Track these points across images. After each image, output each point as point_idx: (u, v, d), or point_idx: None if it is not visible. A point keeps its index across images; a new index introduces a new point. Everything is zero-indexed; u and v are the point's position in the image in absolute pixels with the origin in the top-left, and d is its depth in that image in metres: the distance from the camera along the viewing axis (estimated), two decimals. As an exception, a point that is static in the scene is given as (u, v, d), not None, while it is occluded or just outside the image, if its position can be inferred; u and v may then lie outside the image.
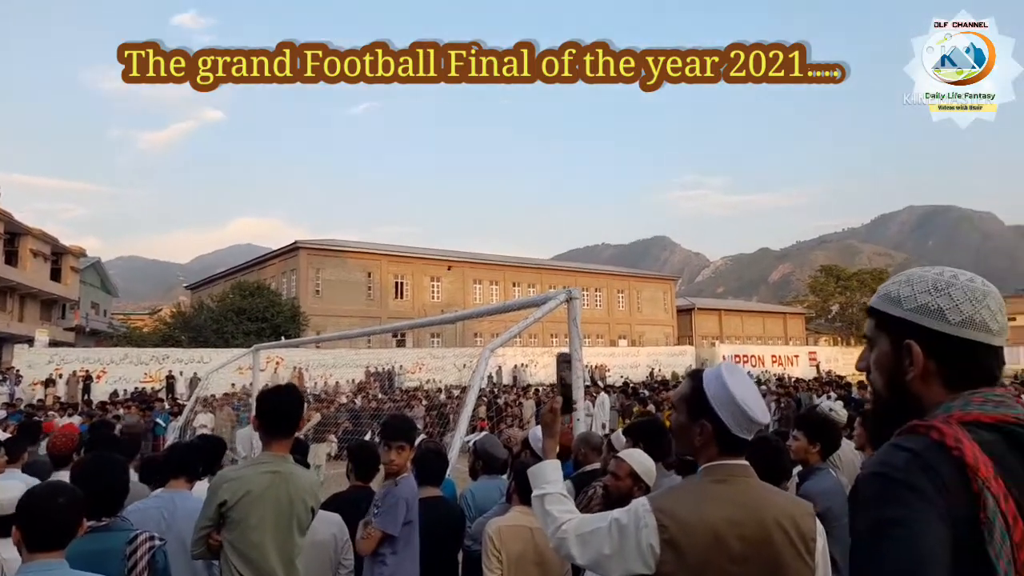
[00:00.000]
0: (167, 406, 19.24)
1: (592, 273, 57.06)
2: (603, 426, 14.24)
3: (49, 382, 24.36)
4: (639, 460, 2.84)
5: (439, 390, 22.65)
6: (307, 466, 4.27)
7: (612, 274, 58.54)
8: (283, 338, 28.49)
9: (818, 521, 1.72)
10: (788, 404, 14.64)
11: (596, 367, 37.90)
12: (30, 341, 29.52)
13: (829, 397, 15.13)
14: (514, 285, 49.01)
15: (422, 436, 13.96)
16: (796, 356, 48.37)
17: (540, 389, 24.31)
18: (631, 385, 22.84)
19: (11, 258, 38.66)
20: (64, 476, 3.48)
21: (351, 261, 42.67)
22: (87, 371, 25.58)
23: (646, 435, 3.30)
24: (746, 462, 1.73)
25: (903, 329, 1.17)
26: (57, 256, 43.21)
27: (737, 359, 44.00)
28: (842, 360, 47.24)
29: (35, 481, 3.12)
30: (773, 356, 46.80)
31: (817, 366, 44.59)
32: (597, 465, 3.80)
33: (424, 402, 18.70)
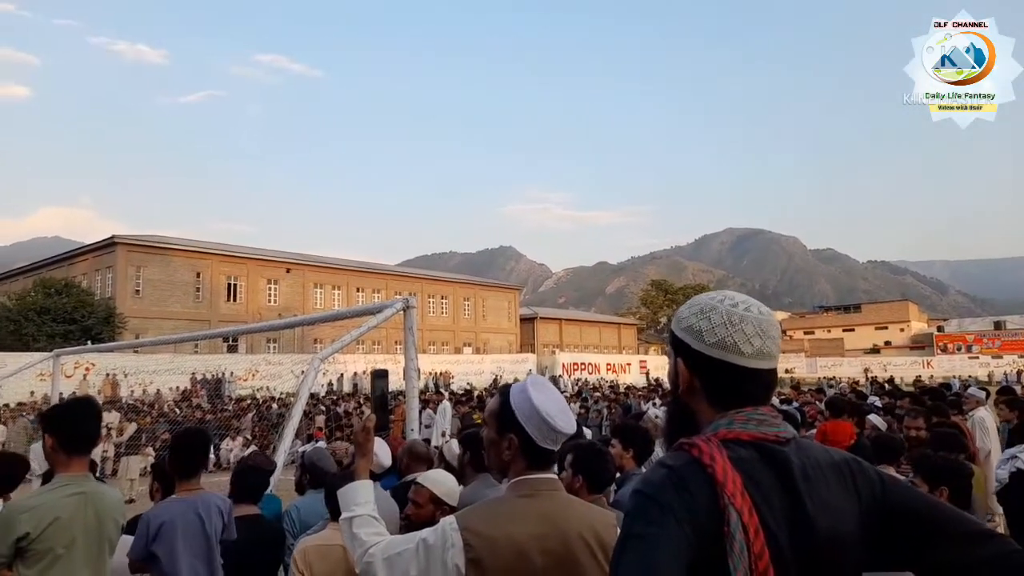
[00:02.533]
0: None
1: (439, 280, 57.07)
2: (443, 434, 14.18)
3: None
4: (439, 482, 2.78)
5: (271, 399, 21.51)
6: (102, 482, 3.89)
7: (458, 282, 58.89)
8: (91, 342, 25.82)
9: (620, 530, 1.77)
10: (616, 410, 15.41)
11: (440, 374, 37.96)
12: None
13: (655, 404, 16.10)
14: (358, 290, 47.84)
15: (249, 450, 13.20)
16: (628, 364, 51.46)
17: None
18: (474, 392, 23.02)
19: None
20: None
21: (178, 259, 39.51)
22: None
23: (474, 445, 3.30)
24: (553, 476, 1.76)
25: (679, 347, 1.26)
26: None
27: (575, 366, 46.01)
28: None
29: None
30: (608, 364, 49.46)
31: (647, 374, 47.61)
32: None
33: (253, 411, 17.68)
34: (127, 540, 3.19)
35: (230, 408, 19.52)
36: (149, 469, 13.40)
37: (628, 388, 25.17)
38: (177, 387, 27.43)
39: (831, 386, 23.50)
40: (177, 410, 19.54)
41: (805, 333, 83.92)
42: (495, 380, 39.75)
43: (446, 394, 19.86)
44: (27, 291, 33.55)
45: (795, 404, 11.49)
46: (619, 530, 1.72)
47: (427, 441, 10.80)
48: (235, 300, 41.65)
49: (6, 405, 17.77)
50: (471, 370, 41.57)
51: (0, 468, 3.22)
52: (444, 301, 54.16)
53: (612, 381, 39.03)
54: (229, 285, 41.66)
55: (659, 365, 52.45)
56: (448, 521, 1.62)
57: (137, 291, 37.46)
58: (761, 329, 1.19)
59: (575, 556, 1.63)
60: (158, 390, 26.57)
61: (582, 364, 47.39)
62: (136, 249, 38.17)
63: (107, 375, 25.65)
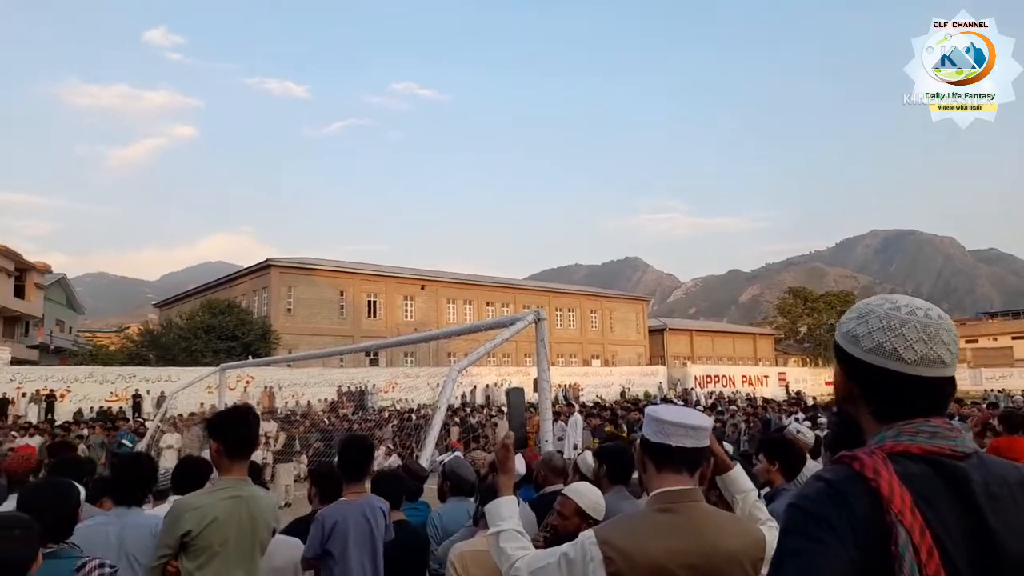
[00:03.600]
0: (132, 425, 18.84)
1: (566, 293, 57.25)
2: (575, 447, 14.17)
3: (7, 401, 23.72)
4: (585, 495, 2.79)
5: (410, 410, 22.47)
6: (265, 487, 4.24)
7: (585, 294, 58.76)
8: (251, 357, 28.12)
9: (768, 545, 1.75)
10: (755, 424, 14.75)
11: (570, 386, 37.97)
12: (-9, 359, 28.73)
13: (797, 418, 15.24)
14: (488, 305, 48.98)
15: (391, 459, 13.81)
16: (766, 376, 48.96)
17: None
18: (606, 405, 22.83)
19: (-28, 274, 37.68)
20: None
21: (323, 279, 42.33)
22: (50, 390, 25.02)
23: (610, 458, 3.32)
24: (693, 487, 1.75)
25: (839, 353, 1.21)
26: (21, 272, 42.06)
27: (708, 379, 44.45)
28: (811, 381, 47.88)
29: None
30: (743, 376, 47.32)
31: (786, 387, 45.09)
32: (560, 486, 3.80)
33: (394, 422, 18.50)
34: (280, 540, 3.42)
35: (373, 418, 20.54)
36: (303, 475, 14.42)
37: (766, 401, 23.96)
38: (325, 398, 29.17)
39: (994, 400, 21.00)
40: (326, 420, 20.79)
41: (967, 342, 75.77)
42: (623, 392, 39.25)
43: (576, 406, 19.85)
44: (195, 311, 36.71)
45: (957, 418, 10.53)
46: (768, 544, 1.72)
47: (559, 453, 10.83)
48: (375, 316, 43.92)
49: (180, 415, 19.64)
50: (600, 382, 41.26)
51: (188, 470, 3.60)
52: (571, 314, 54.23)
53: (749, 394, 37.35)
54: (369, 302, 44.03)
55: (799, 377, 49.58)
56: (587, 535, 1.67)
57: (289, 309, 40.44)
58: (926, 334, 1.10)
59: (719, 570, 1.63)
60: (308, 401, 28.48)
61: (716, 376, 45.68)
62: (287, 271, 41.29)
63: (265, 387, 27.81)
